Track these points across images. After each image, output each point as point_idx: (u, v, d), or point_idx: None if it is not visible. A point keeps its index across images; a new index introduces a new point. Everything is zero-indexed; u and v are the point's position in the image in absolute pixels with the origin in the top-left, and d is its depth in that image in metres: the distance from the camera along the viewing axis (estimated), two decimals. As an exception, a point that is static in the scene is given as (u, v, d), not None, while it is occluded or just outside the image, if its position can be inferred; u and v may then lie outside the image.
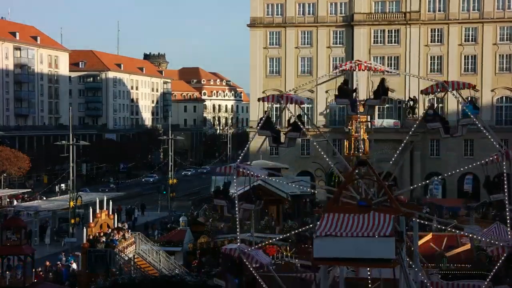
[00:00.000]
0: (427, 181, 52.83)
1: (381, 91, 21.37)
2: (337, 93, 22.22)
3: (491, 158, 19.78)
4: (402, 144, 21.86)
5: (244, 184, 21.24)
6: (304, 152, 75.84)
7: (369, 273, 20.54)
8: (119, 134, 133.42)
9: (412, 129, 22.09)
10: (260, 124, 21.69)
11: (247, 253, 20.50)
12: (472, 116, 19.91)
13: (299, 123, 21.34)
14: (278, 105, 21.94)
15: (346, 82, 22.66)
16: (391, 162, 22.04)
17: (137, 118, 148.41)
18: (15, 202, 70.39)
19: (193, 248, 43.90)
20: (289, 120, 21.88)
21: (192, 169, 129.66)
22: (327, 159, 22.63)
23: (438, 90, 20.21)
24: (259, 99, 22.35)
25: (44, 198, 71.02)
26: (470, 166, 21.52)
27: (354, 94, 21.91)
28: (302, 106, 21.93)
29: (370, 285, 19.58)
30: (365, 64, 21.29)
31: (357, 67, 21.21)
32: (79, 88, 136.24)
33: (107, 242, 37.98)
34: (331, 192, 21.04)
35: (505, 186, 19.64)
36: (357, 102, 21.48)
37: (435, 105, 21.90)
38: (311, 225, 21.10)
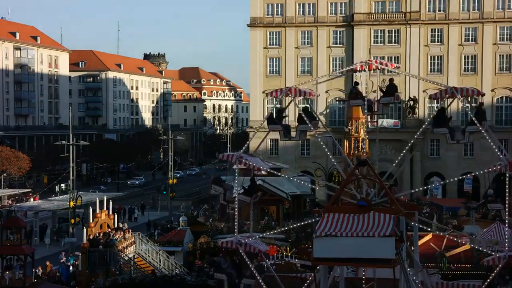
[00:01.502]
0: (427, 186, 52.70)
1: (392, 88, 21.32)
2: (349, 95, 22.16)
3: (494, 168, 19.67)
4: (406, 148, 21.85)
5: (245, 183, 21.22)
6: (304, 152, 75.87)
7: (364, 272, 20.57)
8: (119, 134, 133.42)
9: (417, 132, 21.97)
10: (269, 119, 21.68)
11: (244, 243, 20.53)
12: (479, 125, 19.88)
13: (304, 116, 21.30)
14: (285, 98, 21.78)
15: (356, 84, 22.65)
16: (394, 165, 22.02)
17: (137, 118, 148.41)
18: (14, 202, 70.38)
19: (193, 248, 43.91)
20: (299, 114, 21.78)
21: (191, 169, 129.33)
22: (330, 156, 22.61)
23: (447, 96, 20.10)
24: (266, 93, 22.46)
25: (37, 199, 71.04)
26: (473, 174, 21.40)
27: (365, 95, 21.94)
28: (312, 97, 21.86)
29: (364, 285, 19.59)
30: (376, 64, 21.23)
31: (367, 66, 21.14)
32: (79, 88, 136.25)
33: (107, 242, 37.97)
34: (332, 190, 21.04)
35: (507, 197, 19.63)
36: (371, 102, 21.46)
37: (443, 107, 21.61)
38: (312, 220, 21.02)
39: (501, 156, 19.58)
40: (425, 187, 53.45)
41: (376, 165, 21.97)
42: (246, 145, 21.70)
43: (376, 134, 50.80)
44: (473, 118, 19.92)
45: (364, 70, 21.35)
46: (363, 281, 19.57)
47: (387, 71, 23.66)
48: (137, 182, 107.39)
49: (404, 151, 21.86)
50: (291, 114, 46.81)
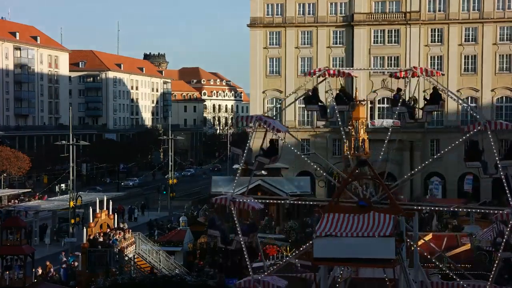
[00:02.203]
0: (429, 187, 52.70)
1: (437, 97, 21.15)
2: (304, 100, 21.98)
3: (474, 129, 19.80)
4: (385, 142, 21.79)
5: (245, 184, 21.19)
6: (304, 152, 75.81)
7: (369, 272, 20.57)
8: (119, 134, 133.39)
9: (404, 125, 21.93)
10: (306, 99, 21.80)
11: (237, 200, 20.54)
12: (436, 105, 20.17)
13: (275, 146, 21.30)
14: (278, 105, 21.86)
15: (399, 90, 22.45)
16: (386, 160, 22.05)
17: (137, 118, 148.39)
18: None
19: (193, 248, 43.94)
20: (337, 94, 21.81)
21: (186, 170, 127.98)
22: (316, 170, 22.62)
23: (479, 128, 19.93)
24: (305, 74, 22.50)
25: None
26: (474, 167, 21.31)
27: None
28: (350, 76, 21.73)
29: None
30: (420, 74, 21.21)
31: (411, 74, 21.12)
32: (79, 88, 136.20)
33: (107, 242, 37.99)
34: (332, 188, 21.08)
35: (483, 156, 19.79)
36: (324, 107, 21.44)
37: (401, 89, 21.59)
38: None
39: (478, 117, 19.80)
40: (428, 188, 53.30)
41: (379, 165, 21.89)
42: (247, 144, 21.66)
43: (375, 134, 50.87)
44: (425, 96, 20.14)
45: (407, 77, 21.27)
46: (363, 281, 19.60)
47: (387, 72, 23.65)
48: (130, 183, 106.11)
49: (384, 145, 21.63)
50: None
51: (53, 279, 37.72)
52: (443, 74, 23.08)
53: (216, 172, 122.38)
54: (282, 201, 31.01)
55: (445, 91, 22.35)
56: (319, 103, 21.65)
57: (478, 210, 27.30)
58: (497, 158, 19.70)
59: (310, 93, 21.72)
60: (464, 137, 20.22)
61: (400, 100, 21.16)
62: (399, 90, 21.46)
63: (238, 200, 20.53)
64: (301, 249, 21.15)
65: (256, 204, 20.96)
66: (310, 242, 19.51)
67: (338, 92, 21.39)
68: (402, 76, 20.73)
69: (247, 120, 21.12)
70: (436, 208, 25.37)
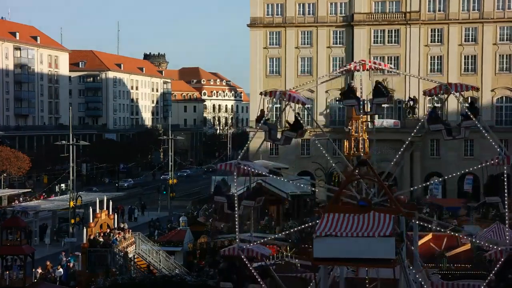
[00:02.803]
0: (427, 183, 52.76)
1: (474, 110, 21.04)
2: (341, 95, 22.08)
3: (492, 161, 19.71)
4: (404, 146, 21.82)
5: (244, 183, 21.20)
6: (304, 152, 75.87)
7: (367, 273, 20.54)
8: (119, 134, 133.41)
9: (415, 130, 21.96)
10: (344, 94, 21.75)
11: (246, 248, 20.52)
12: (474, 119, 19.85)
13: (299, 120, 21.31)
14: (278, 105, 21.92)
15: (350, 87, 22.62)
16: (392, 163, 22.03)
17: (137, 118, 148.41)
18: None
19: (193, 248, 43.93)
20: (376, 86, 21.47)
21: (182, 171, 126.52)
22: (328, 158, 22.59)
23: (441, 92, 20.09)
24: (261, 93, 22.26)
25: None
26: (471, 168, 21.37)
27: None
28: (305, 106, 21.90)
29: (367, 285, 19.58)
30: (369, 64, 21.20)
31: (361, 66, 21.10)
32: (79, 88, 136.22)
33: (107, 242, 37.99)
34: (332, 191, 21.03)
35: (505, 189, 19.65)
36: (363, 102, 21.43)
37: (437, 106, 21.40)
38: (311, 223, 21.06)
39: (498, 149, 19.63)
40: (426, 183, 53.35)
41: (375, 165, 21.92)
42: (246, 146, 21.63)
43: (374, 135, 50.88)
44: (467, 111, 19.91)
45: (358, 70, 21.31)
46: (366, 281, 19.56)
47: (387, 71, 23.64)
48: (125, 184, 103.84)
49: (402, 149, 21.81)
50: (282, 119, 46.49)
51: (50, 279, 37.70)
52: (391, 67, 22.91)
53: (211, 173, 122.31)
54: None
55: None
56: (271, 125, 21.62)
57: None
58: (461, 119, 19.97)
59: (346, 88, 21.70)
60: (482, 169, 20.22)
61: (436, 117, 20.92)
62: (435, 107, 21.17)
63: (246, 248, 20.57)
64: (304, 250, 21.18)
65: (264, 251, 21.21)
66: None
67: (376, 85, 21.33)
68: (437, 93, 20.32)
69: (270, 95, 21.24)
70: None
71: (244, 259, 20.33)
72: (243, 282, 20.56)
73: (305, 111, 21.86)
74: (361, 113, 21.09)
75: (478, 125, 19.95)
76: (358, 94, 22.16)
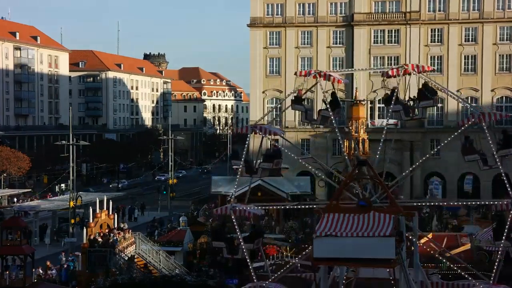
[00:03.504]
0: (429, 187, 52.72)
1: (429, 92, 21.09)
2: (384, 102, 21.61)
3: (468, 122, 19.91)
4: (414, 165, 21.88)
5: (245, 184, 21.20)
6: (304, 152, 75.75)
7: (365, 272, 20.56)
8: (119, 134, 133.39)
9: (414, 129, 21.97)
10: (293, 99, 21.68)
11: (238, 209, 20.57)
12: (432, 99, 20.09)
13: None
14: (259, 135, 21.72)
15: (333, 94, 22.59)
16: (404, 174, 22.01)
17: (137, 118, 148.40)
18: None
19: (193, 248, 43.92)
20: (421, 90, 21.34)
21: (178, 172, 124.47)
22: (314, 173, 22.58)
23: (474, 120, 20.04)
24: (295, 73, 22.41)
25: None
26: (473, 162, 21.33)
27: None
28: (340, 83, 21.89)
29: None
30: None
31: (403, 71, 21.15)
32: (79, 88, 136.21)
33: (107, 242, 37.99)
34: (332, 188, 21.07)
35: (479, 149, 19.85)
36: (407, 106, 21.11)
37: (469, 136, 21.35)
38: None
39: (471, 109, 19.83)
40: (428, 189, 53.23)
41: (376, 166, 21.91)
42: (246, 145, 21.62)
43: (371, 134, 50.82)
44: (423, 90, 19.99)
45: (398, 75, 21.32)
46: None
47: (379, 71, 23.66)
48: (119, 186, 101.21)
49: (381, 144, 21.74)
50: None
51: (48, 280, 37.65)
52: (434, 70, 22.79)
53: (206, 174, 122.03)
54: (282, 206, 31.03)
55: (439, 87, 22.28)
56: (403, 103, 21.46)
57: (478, 203, 27.35)
58: (494, 149, 19.80)
59: (389, 93, 21.41)
60: (460, 131, 20.35)
61: (394, 98, 21.12)
62: (466, 138, 21.11)
63: (238, 209, 20.58)
64: (304, 250, 21.16)
65: (258, 211, 21.02)
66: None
67: (420, 88, 21.11)
68: (394, 74, 20.68)
69: (242, 130, 21.38)
70: (437, 204, 25.26)
71: (234, 220, 20.40)
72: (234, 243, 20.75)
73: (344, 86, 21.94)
74: (408, 118, 20.73)
75: (436, 104, 20.16)
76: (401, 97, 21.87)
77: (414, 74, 20.56)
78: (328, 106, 21.65)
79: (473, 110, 20.34)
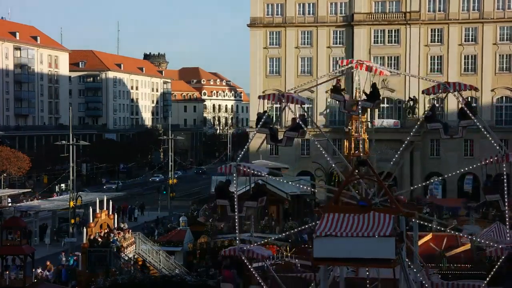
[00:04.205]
0: (427, 182, 52.78)
1: (375, 94, 21.19)
2: (425, 119, 21.21)
3: (491, 160, 19.77)
4: (403, 145, 21.81)
5: (246, 183, 21.19)
6: (304, 152, 75.84)
7: (367, 273, 20.52)
8: (119, 134, 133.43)
9: (413, 130, 21.93)
10: (259, 123, 21.56)
11: (246, 249, 20.53)
12: (472, 118, 19.84)
13: (300, 123, 21.24)
14: (278, 105, 21.81)
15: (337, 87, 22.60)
16: (391, 163, 22.01)
17: (137, 118, 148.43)
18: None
19: (193, 248, 43.91)
20: (293, 119, 21.64)
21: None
22: (328, 159, 22.55)
23: (440, 91, 20.11)
24: (259, 97, 22.21)
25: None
26: (470, 167, 21.42)
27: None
28: (302, 106, 21.84)
29: (368, 285, 19.56)
30: (367, 64, 21.16)
31: (359, 66, 21.09)
32: (79, 88, 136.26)
33: (107, 242, 37.99)
34: (332, 191, 21.02)
35: (505, 187, 19.69)
36: (446, 124, 20.83)
37: (436, 105, 21.29)
38: (311, 224, 21.06)
39: (497, 147, 19.66)
40: (426, 182, 53.24)
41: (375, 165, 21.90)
42: (242, 152, 21.63)
43: (372, 134, 50.83)
44: (465, 109, 19.85)
45: (353, 70, 21.32)
46: (367, 282, 19.55)
47: (390, 72, 23.61)
48: (113, 187, 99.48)
49: (401, 149, 21.81)
50: (282, 119, 46.44)
51: (47, 281, 37.61)
52: (476, 89, 22.27)
53: (201, 175, 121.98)
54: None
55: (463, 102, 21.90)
56: (271, 128, 21.52)
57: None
58: (459, 118, 19.95)
59: (430, 113, 20.82)
60: (482, 168, 20.23)
61: (432, 115, 20.74)
62: (434, 106, 20.99)
63: (247, 250, 20.55)
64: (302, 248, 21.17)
65: (265, 253, 21.15)
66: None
67: (461, 107, 20.48)
68: (435, 91, 20.20)
69: (269, 98, 21.22)
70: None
71: (245, 260, 20.34)
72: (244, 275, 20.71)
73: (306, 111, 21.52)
74: (447, 137, 20.49)
75: (477, 124, 19.96)
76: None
77: (452, 92, 20.18)
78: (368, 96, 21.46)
79: (439, 82, 20.26)
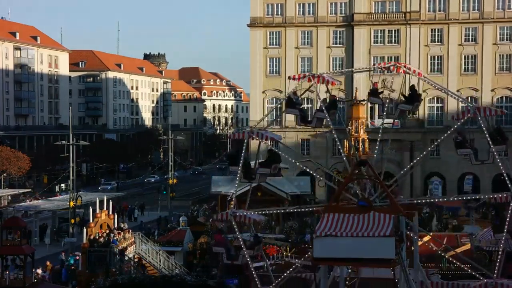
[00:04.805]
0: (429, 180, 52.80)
1: (414, 96, 21.04)
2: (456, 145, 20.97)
3: (463, 116, 19.90)
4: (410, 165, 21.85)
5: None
6: (304, 152, 75.83)
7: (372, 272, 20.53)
8: (119, 134, 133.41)
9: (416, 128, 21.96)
10: (370, 92, 21.70)
11: (239, 214, 20.53)
12: (503, 144, 19.80)
13: (336, 99, 21.08)
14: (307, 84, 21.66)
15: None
16: (402, 172, 21.96)
17: (137, 118, 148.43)
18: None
19: (193, 248, 43.91)
20: (324, 99, 21.60)
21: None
22: (321, 179, 22.56)
23: (469, 115, 19.97)
24: (289, 77, 22.28)
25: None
26: (469, 161, 21.32)
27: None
28: (334, 86, 21.67)
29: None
30: (404, 68, 21.25)
31: (396, 69, 21.12)
32: (79, 88, 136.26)
33: (107, 242, 37.99)
34: (332, 191, 21.03)
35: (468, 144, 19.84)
36: (476, 150, 20.62)
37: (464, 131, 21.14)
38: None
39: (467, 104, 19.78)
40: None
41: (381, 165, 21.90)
42: (245, 145, 21.57)
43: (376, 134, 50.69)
44: (494, 134, 19.73)
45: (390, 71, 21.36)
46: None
47: (387, 71, 23.63)
48: (108, 188, 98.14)
49: (413, 163, 21.79)
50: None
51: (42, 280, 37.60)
52: (504, 113, 22.00)
53: (197, 176, 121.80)
54: (283, 211, 30.90)
55: (438, 87, 22.15)
56: (300, 109, 21.52)
57: (477, 197, 27.31)
58: (490, 144, 19.77)
59: (459, 140, 20.70)
60: (455, 126, 20.35)
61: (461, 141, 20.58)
62: (460, 133, 20.54)
63: (238, 214, 20.52)
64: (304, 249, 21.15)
65: (257, 217, 20.96)
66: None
67: (492, 131, 20.16)
68: (465, 117, 20.04)
69: (239, 136, 21.26)
70: (437, 201, 25.22)
71: (234, 226, 20.34)
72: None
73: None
74: (478, 163, 20.34)
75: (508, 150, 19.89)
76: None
77: (480, 118, 20.08)
78: (407, 99, 21.52)
79: (469, 105, 20.19)
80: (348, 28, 76.82)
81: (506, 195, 19.48)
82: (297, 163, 22.62)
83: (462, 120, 20.13)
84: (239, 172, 20.78)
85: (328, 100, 21.76)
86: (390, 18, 76.00)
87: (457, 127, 20.33)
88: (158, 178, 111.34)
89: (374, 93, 21.96)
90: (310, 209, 23.63)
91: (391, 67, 21.30)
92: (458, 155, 20.68)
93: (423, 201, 24.57)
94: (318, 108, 21.79)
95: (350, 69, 65.37)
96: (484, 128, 19.65)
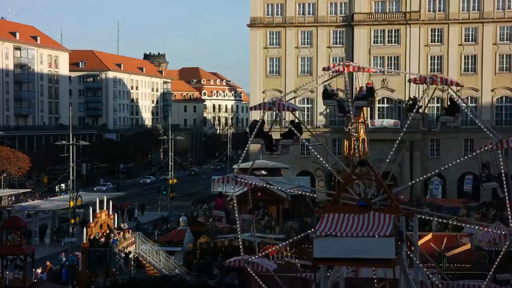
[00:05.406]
0: (426, 176, 52.71)
1: (455, 107, 21.05)
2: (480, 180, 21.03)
3: (485, 147, 19.87)
4: (397, 141, 21.92)
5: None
6: (304, 152, 75.82)
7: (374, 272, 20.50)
8: (119, 134, 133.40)
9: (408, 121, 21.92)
10: (252, 133, 21.35)
11: (251, 261, 20.54)
12: (453, 117, 20.13)
13: (293, 130, 21.25)
14: (271, 112, 21.70)
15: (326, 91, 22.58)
16: (387, 160, 22.05)
17: (137, 118, 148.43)
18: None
19: (193, 248, 43.89)
20: (361, 87, 21.84)
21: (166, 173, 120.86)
22: (326, 165, 22.60)
23: (428, 82, 20.33)
24: (251, 108, 22.22)
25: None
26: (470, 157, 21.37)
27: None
28: (294, 112, 21.76)
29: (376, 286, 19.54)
30: (353, 65, 21.28)
31: (345, 68, 21.17)
32: (79, 88, 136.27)
33: (107, 242, 38.00)
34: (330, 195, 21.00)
35: (503, 175, 19.71)
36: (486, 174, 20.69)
37: (415, 97, 21.50)
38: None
39: (490, 135, 19.75)
40: (425, 177, 53.22)
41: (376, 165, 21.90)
42: (245, 149, 21.59)
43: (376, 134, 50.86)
44: (449, 103, 20.03)
45: (342, 72, 21.42)
46: (375, 281, 19.55)
47: (387, 72, 23.69)
48: (104, 188, 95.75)
49: (395, 145, 21.87)
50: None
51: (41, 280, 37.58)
52: (461, 86, 22.16)
53: (194, 176, 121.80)
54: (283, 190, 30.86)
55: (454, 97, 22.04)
56: (266, 136, 21.50)
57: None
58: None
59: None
60: (476, 156, 20.25)
61: (416, 107, 20.95)
62: (487, 163, 20.79)
63: (251, 262, 20.58)
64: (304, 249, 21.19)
65: (270, 266, 21.10)
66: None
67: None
68: (422, 82, 20.48)
69: (260, 107, 21.20)
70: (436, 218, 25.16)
71: (251, 272, 20.40)
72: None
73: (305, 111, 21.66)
74: (505, 196, 20.31)
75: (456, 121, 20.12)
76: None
77: (439, 86, 20.33)
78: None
79: (491, 135, 20.15)
80: (348, 28, 76.83)
81: (491, 144, 19.55)
82: (310, 147, 22.56)
83: (418, 84, 20.56)
84: (261, 143, 20.82)
85: (365, 88, 21.93)
86: (390, 18, 76.01)
87: (479, 158, 20.26)
88: (153, 179, 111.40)
89: (327, 94, 21.95)
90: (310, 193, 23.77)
91: (341, 68, 21.37)
92: (485, 188, 20.61)
93: (423, 209, 24.56)
94: (356, 95, 21.81)
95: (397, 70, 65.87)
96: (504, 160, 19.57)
